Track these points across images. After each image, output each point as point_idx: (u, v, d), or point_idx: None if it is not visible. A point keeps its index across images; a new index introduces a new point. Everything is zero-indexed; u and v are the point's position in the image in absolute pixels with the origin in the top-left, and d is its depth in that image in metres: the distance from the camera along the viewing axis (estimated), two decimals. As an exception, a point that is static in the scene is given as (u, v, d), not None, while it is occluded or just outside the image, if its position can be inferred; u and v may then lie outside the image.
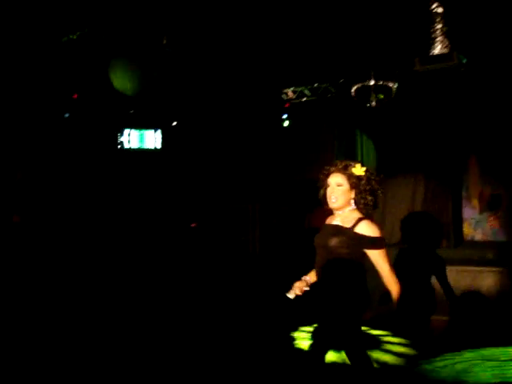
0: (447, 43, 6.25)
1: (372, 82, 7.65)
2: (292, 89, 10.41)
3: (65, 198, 10.38)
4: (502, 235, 8.37)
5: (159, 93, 7.12)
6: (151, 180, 11.25)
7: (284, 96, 10.37)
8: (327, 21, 7.18)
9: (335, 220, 3.20)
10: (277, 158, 11.09)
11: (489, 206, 8.56)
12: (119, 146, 10.76)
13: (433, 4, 6.32)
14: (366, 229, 3.04)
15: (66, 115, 9.81)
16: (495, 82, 7.11)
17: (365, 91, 7.78)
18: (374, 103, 7.56)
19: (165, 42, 6.17)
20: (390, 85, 7.54)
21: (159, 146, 11.09)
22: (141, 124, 10.95)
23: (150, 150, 11.01)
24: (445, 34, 6.29)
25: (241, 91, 9.83)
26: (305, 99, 10.39)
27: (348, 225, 3.08)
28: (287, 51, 8.18)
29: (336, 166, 3.24)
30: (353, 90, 7.99)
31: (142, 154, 11.05)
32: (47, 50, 7.72)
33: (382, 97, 7.55)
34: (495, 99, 7.48)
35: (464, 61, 5.96)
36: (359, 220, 3.07)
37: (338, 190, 3.15)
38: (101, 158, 10.59)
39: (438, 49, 6.25)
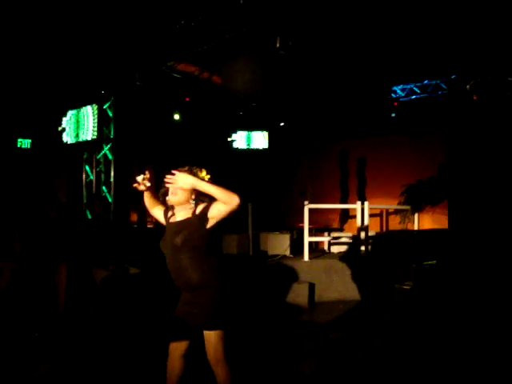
0: None
1: (490, 77, 7.22)
2: (401, 87, 10.22)
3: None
4: None
5: (271, 95, 7.24)
6: (259, 177, 11.50)
7: (393, 94, 10.14)
8: (435, 14, 6.91)
9: (178, 217, 3.20)
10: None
11: None
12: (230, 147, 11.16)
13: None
14: (203, 205, 3.10)
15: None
16: None
17: (482, 87, 7.37)
18: (491, 100, 7.14)
19: (278, 44, 6.27)
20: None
21: (266, 146, 11.34)
22: (249, 125, 11.27)
23: (258, 149, 11.30)
24: None
25: (348, 91, 9.77)
26: (414, 97, 10.17)
27: (189, 215, 3.13)
28: (395, 48, 8.01)
29: (183, 168, 3.22)
30: (468, 86, 7.55)
31: (249, 153, 11.36)
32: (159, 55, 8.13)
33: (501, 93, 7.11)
34: None
35: None
36: (195, 205, 3.14)
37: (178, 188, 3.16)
38: (212, 157, 10.97)
39: None
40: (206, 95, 9.89)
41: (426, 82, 9.99)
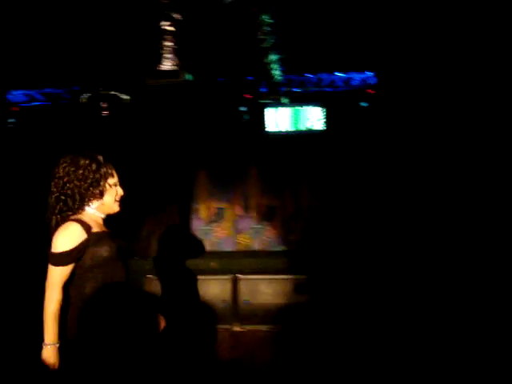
0: (175, 61, 6.47)
1: (103, 92, 7.61)
2: (22, 92, 9.75)
3: None
4: (277, 245, 9.05)
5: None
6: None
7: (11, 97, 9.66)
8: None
9: (102, 227, 2.72)
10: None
11: (265, 216, 9.13)
12: None
13: (163, 22, 6.48)
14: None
15: None
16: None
17: (96, 100, 7.70)
18: (105, 113, 7.53)
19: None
20: (122, 96, 7.62)
21: None
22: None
23: None
24: (173, 51, 6.50)
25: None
26: (36, 104, 9.85)
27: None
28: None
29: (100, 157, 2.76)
30: (83, 97, 7.81)
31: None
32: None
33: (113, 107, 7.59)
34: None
35: (189, 78, 6.26)
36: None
37: None
38: None
39: (166, 65, 6.44)
40: None
41: (49, 90, 9.77)
